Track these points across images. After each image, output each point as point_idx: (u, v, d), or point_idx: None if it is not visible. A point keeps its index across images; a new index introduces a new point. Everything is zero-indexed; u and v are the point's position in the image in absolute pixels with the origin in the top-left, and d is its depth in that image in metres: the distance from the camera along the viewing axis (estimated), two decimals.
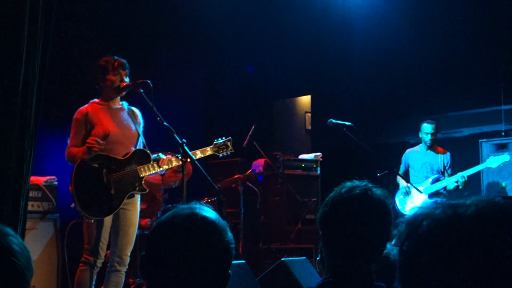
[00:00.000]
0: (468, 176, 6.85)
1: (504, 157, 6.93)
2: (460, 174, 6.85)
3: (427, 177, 7.12)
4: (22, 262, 1.59)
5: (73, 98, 4.98)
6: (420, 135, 7.29)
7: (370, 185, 2.14)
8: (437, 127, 7.21)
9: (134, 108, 4.86)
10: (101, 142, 4.43)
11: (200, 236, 1.67)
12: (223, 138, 4.97)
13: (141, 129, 4.80)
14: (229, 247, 1.72)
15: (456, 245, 1.05)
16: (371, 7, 8.22)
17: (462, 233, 1.06)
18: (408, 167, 7.34)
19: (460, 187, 6.86)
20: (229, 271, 1.74)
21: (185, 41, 8.34)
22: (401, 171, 7.28)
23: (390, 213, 2.13)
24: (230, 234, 1.75)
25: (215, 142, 4.94)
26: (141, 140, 4.77)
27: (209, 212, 1.74)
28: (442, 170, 7.18)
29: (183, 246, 1.65)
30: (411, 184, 6.63)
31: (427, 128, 7.17)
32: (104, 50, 4.86)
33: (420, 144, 7.34)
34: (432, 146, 7.22)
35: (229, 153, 4.98)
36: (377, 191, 2.12)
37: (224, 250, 1.71)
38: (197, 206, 1.76)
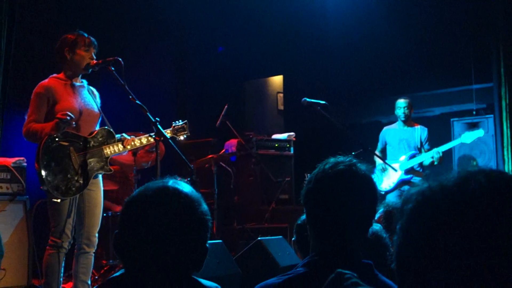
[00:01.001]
0: (443, 152, 6.90)
1: (479, 132, 6.99)
2: (435, 149, 6.90)
3: (404, 154, 7.16)
4: None
5: (39, 77, 4.83)
6: (396, 112, 7.31)
7: (355, 160, 2.07)
8: (411, 104, 7.23)
9: (92, 88, 4.73)
10: (72, 116, 4.25)
11: (173, 208, 1.62)
12: (180, 121, 4.90)
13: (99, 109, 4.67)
14: (204, 218, 1.68)
15: (441, 216, 1.03)
16: None
17: (446, 203, 1.04)
18: (386, 144, 7.37)
19: (435, 163, 6.91)
20: (207, 245, 1.70)
21: (156, 20, 8.22)
22: (378, 149, 7.31)
23: (375, 189, 2.07)
24: (205, 205, 1.70)
25: (173, 125, 4.87)
26: (102, 119, 4.63)
27: (182, 185, 1.70)
28: (419, 146, 7.21)
29: (156, 219, 1.60)
30: (386, 163, 6.64)
31: (400, 103, 7.21)
32: (71, 27, 4.70)
33: (397, 122, 7.37)
34: (407, 121, 7.24)
35: (185, 136, 4.91)
36: (362, 167, 2.05)
37: (198, 222, 1.66)
38: (171, 180, 1.71)
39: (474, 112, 7.91)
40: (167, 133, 4.72)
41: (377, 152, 6.99)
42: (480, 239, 0.98)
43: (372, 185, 2.06)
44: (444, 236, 1.01)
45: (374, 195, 2.06)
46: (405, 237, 1.08)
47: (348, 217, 1.99)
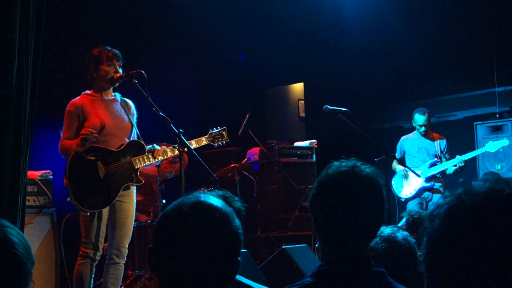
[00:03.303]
0: (465, 160, 6.86)
1: (503, 142, 6.94)
2: (459, 158, 6.86)
3: (424, 162, 7.12)
4: (21, 252, 1.59)
5: (66, 91, 4.91)
6: (414, 124, 7.28)
7: (358, 163, 2.03)
8: (430, 116, 7.19)
9: (127, 99, 4.82)
10: (94, 132, 4.37)
11: (207, 223, 1.64)
12: (218, 127, 4.94)
13: (134, 120, 4.75)
14: (237, 233, 1.69)
15: (471, 222, 1.05)
16: None
17: (477, 210, 1.06)
18: (404, 153, 7.33)
19: (459, 171, 6.87)
20: (239, 258, 1.72)
21: (178, 30, 8.29)
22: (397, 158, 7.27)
23: (380, 190, 2.01)
24: (237, 220, 1.72)
25: (210, 132, 4.91)
26: (135, 131, 4.71)
27: (214, 200, 1.72)
28: (439, 154, 7.18)
29: (190, 234, 1.62)
30: (409, 168, 6.59)
31: (419, 120, 7.15)
32: (97, 42, 4.79)
33: (414, 131, 7.33)
34: (426, 134, 7.22)
35: (224, 142, 4.95)
36: (366, 168, 2.01)
37: (232, 236, 1.68)
38: (202, 194, 1.74)
39: (497, 115, 7.84)
40: (202, 140, 4.79)
41: (397, 160, 6.94)
42: (509, 244, 1.00)
43: (376, 186, 2.01)
44: (473, 241, 1.03)
45: (379, 197, 2.01)
46: (435, 241, 1.10)
47: (353, 221, 1.95)
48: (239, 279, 2.38)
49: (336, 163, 2.05)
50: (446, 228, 1.09)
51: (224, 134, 4.93)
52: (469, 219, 1.06)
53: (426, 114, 7.14)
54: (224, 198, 2.37)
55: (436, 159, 7.12)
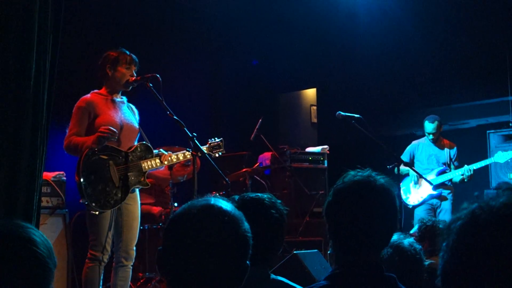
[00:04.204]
0: (474, 170, 6.84)
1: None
2: (467, 167, 6.84)
3: (432, 169, 7.10)
4: (43, 251, 1.61)
5: (80, 93, 4.95)
6: (425, 131, 7.27)
7: (374, 173, 2.10)
8: (440, 123, 7.17)
9: (131, 105, 4.84)
10: (116, 131, 4.36)
11: (216, 226, 1.65)
12: (216, 138, 4.97)
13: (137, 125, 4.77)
14: (246, 236, 1.71)
15: (489, 235, 1.06)
16: None
17: (494, 223, 1.07)
18: (413, 158, 7.31)
19: (465, 180, 6.85)
20: (247, 262, 1.73)
21: (191, 35, 8.33)
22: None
23: (394, 200, 2.08)
24: (246, 224, 1.73)
25: (209, 142, 4.94)
26: (139, 135, 4.73)
27: (224, 203, 1.74)
28: (449, 162, 7.16)
29: (199, 237, 1.64)
30: (421, 176, 6.56)
31: (428, 127, 7.14)
32: (111, 45, 4.82)
33: (425, 137, 7.32)
34: (436, 142, 7.20)
35: (220, 153, 4.97)
36: (380, 179, 2.08)
37: (241, 240, 1.69)
38: (212, 198, 1.76)
39: (510, 124, 7.80)
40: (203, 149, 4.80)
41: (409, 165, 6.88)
42: None
43: (390, 197, 2.07)
44: (490, 254, 1.04)
45: (393, 207, 2.08)
46: (452, 254, 1.11)
47: (367, 229, 2.00)
48: (285, 281, 2.44)
49: (352, 172, 2.12)
50: (460, 244, 1.10)
51: (221, 144, 4.97)
52: (482, 236, 1.06)
53: (436, 122, 7.12)
54: (269, 199, 2.45)
55: (444, 166, 7.10)
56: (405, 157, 7.27)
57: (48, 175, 5.63)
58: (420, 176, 6.62)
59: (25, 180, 3.09)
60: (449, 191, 7.05)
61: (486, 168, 7.39)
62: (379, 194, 2.04)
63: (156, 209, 6.42)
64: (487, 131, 7.82)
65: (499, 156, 6.93)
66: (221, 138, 4.98)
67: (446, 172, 7.04)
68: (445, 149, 7.23)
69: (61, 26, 3.43)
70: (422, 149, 7.26)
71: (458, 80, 8.39)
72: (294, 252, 4.43)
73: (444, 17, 8.12)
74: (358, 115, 5.56)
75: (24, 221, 1.66)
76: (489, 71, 8.12)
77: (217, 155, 4.94)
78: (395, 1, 8.04)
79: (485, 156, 7.31)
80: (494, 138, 7.70)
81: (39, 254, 1.59)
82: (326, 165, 8.22)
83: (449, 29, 8.20)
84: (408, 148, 7.40)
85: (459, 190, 7.16)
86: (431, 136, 7.17)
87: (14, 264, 1.56)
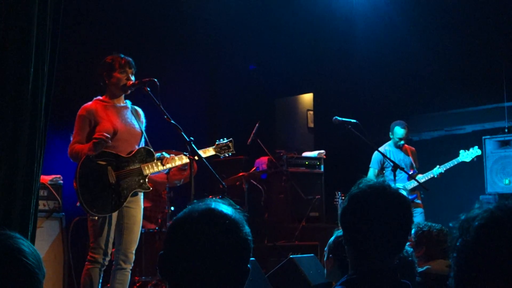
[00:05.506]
0: (444, 170, 6.88)
1: (476, 151, 6.98)
2: (438, 169, 6.86)
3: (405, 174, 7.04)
4: (32, 262, 1.61)
5: (77, 97, 4.96)
6: (391, 136, 7.24)
7: (388, 180, 2.16)
8: (408, 129, 7.22)
9: (137, 107, 4.86)
10: (108, 137, 4.39)
11: (217, 230, 1.66)
12: (225, 139, 4.97)
13: (143, 128, 4.79)
14: (246, 240, 1.72)
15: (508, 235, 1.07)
16: (373, 4, 8.21)
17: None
18: (383, 166, 7.18)
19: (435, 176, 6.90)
20: (248, 265, 1.74)
21: (188, 39, 8.34)
22: (374, 173, 7.13)
23: (408, 206, 2.12)
24: (247, 227, 1.74)
25: (217, 143, 4.94)
26: (144, 138, 4.75)
27: (225, 207, 1.74)
28: (413, 164, 7.18)
29: (200, 241, 1.64)
30: (418, 182, 6.47)
31: (399, 133, 7.15)
32: (109, 50, 4.84)
33: (388, 143, 7.30)
34: (402, 147, 7.23)
35: (230, 154, 4.98)
36: (394, 186, 2.15)
37: (242, 243, 1.70)
38: (212, 201, 1.76)
39: (506, 130, 7.84)
40: (209, 151, 4.82)
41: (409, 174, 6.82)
42: None
43: (407, 204, 2.11)
44: (507, 257, 1.05)
45: (408, 214, 2.10)
46: (470, 254, 1.12)
47: (383, 235, 2.03)
48: None
49: (366, 179, 2.15)
50: (479, 245, 1.10)
51: (230, 145, 4.95)
52: (506, 236, 1.08)
53: (406, 127, 7.16)
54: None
55: (412, 170, 7.09)
56: (375, 165, 7.18)
57: (45, 179, 5.64)
58: (418, 182, 6.59)
59: (22, 183, 3.09)
60: (415, 195, 7.05)
61: (481, 174, 7.42)
62: (394, 200, 2.07)
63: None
64: (483, 137, 7.85)
65: (464, 155, 6.96)
66: (231, 139, 4.97)
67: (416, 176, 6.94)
68: (406, 150, 7.25)
69: (60, 30, 3.45)
70: (390, 155, 7.00)
71: (454, 86, 8.42)
72: (290, 256, 4.45)
73: (441, 24, 8.15)
74: (354, 120, 5.58)
75: (18, 228, 1.67)
76: (485, 77, 8.17)
77: (226, 155, 4.96)
78: (392, 7, 8.07)
79: (480, 162, 7.34)
80: (489, 143, 7.74)
81: (28, 264, 1.59)
82: (322, 169, 8.24)
83: (445, 35, 8.23)
84: (375, 158, 7.19)
85: (454, 194, 7.16)
86: (402, 142, 7.17)
87: (3, 274, 1.56)
